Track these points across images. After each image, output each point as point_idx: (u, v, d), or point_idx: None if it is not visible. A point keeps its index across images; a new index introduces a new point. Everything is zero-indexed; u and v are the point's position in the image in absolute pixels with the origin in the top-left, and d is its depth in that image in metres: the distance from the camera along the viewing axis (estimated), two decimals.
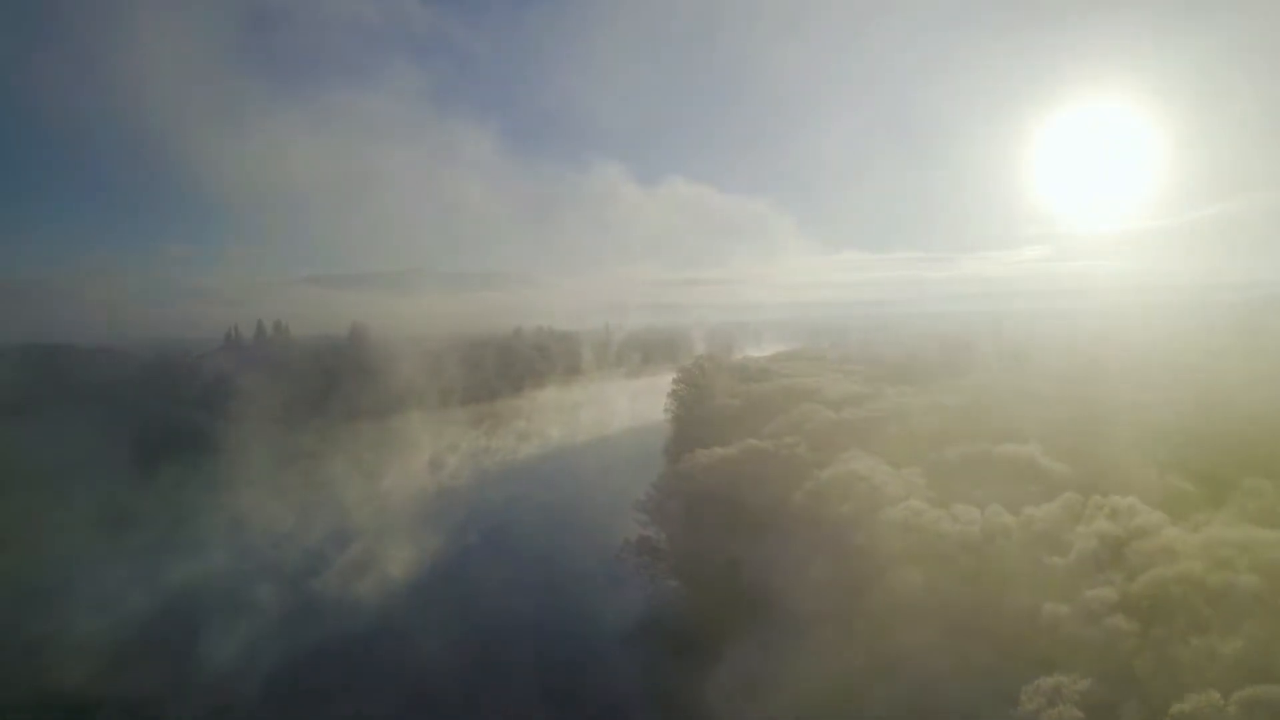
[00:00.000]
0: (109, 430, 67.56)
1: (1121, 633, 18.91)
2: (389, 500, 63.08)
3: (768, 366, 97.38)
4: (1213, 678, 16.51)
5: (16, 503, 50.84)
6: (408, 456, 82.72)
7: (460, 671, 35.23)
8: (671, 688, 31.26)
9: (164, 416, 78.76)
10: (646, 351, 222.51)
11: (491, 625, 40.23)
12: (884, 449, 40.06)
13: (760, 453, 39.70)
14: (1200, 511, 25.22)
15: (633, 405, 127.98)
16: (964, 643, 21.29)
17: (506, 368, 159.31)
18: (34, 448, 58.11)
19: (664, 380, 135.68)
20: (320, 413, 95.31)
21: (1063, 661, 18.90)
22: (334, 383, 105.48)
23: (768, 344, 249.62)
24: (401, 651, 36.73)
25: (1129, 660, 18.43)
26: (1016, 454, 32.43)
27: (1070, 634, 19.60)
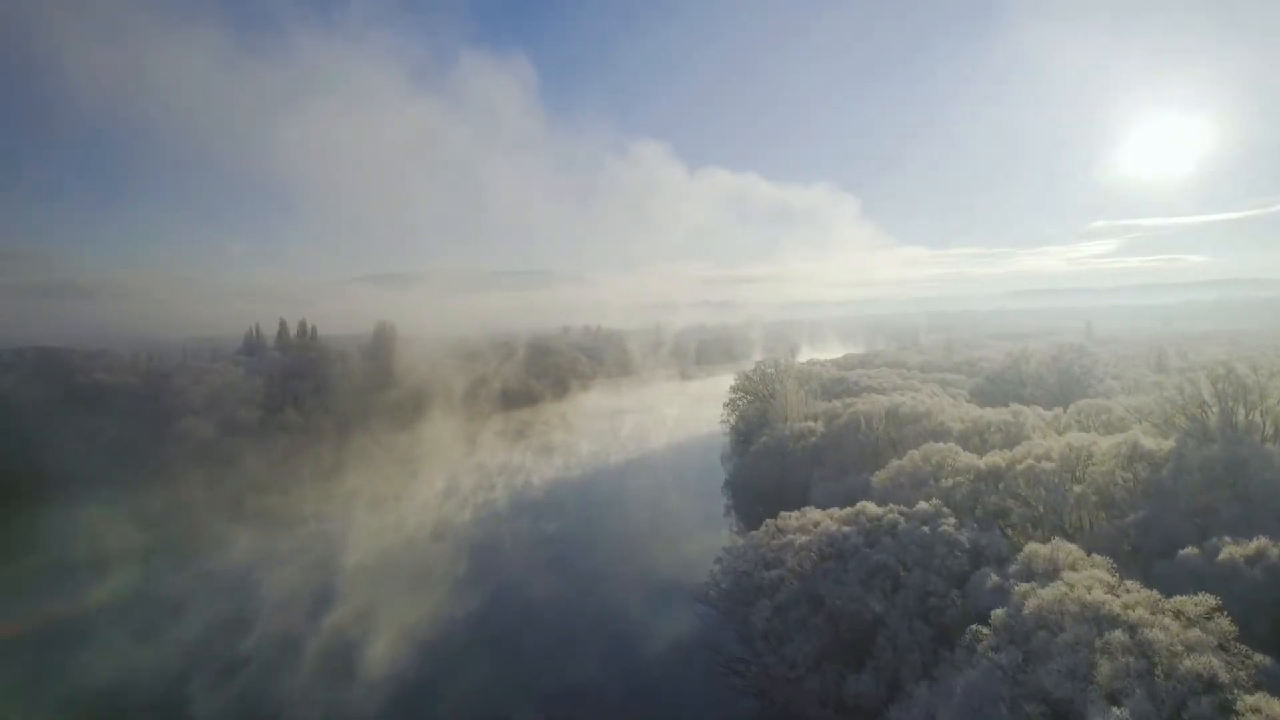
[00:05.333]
0: (47, 449, 58.74)
1: None
2: (382, 543, 51.70)
3: (843, 375, 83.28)
4: None
5: None
6: (418, 478, 71.78)
7: None
8: None
9: (131, 430, 69.57)
10: (699, 351, 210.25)
11: None
12: (1097, 536, 26.30)
13: (886, 529, 26.37)
14: None
15: (686, 413, 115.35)
16: None
17: (550, 369, 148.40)
18: None
19: (718, 383, 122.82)
20: (329, 423, 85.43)
21: None
22: (353, 388, 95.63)
23: (829, 344, 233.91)
24: None
25: None
26: None
27: None
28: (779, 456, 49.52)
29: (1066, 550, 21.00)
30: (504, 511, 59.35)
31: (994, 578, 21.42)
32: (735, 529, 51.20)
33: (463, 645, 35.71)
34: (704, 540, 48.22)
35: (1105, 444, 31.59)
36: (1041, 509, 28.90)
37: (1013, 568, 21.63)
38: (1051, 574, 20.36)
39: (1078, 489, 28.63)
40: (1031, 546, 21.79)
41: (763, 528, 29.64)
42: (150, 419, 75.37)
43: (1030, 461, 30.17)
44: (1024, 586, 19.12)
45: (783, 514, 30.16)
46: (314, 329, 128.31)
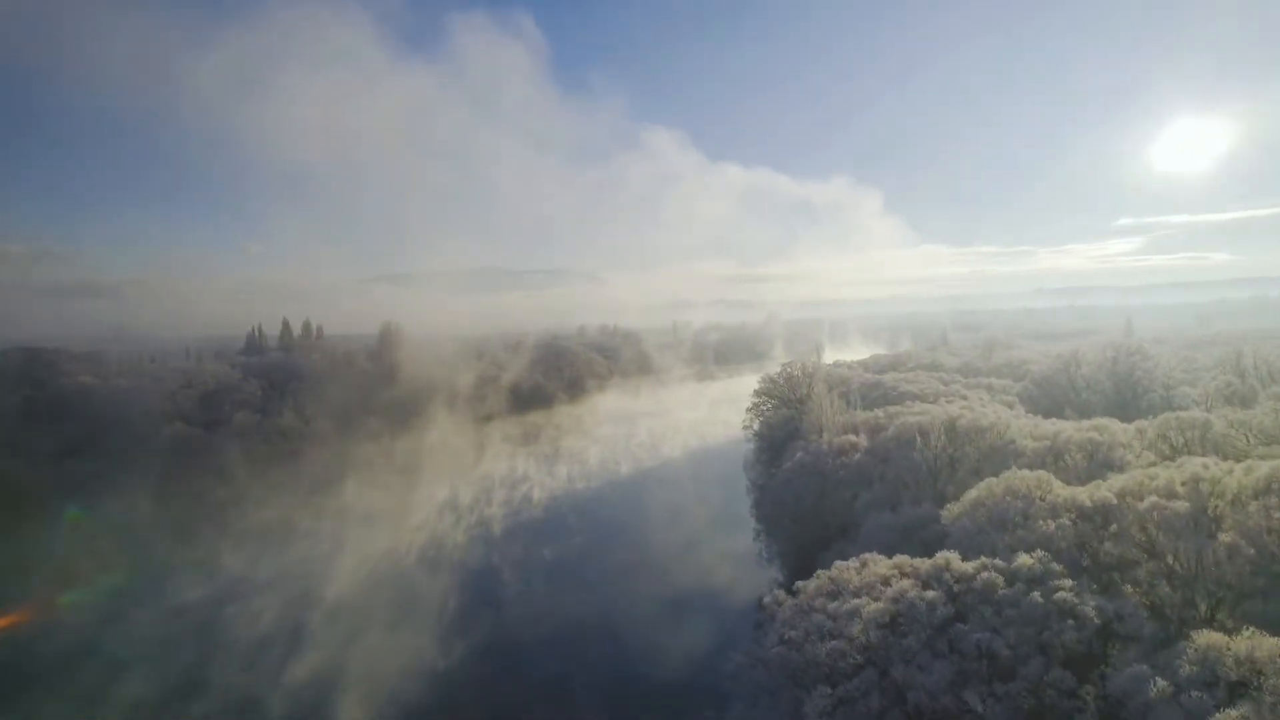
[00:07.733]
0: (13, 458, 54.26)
1: None
2: (373, 570, 46.34)
3: (878, 379, 76.56)
4: None
5: None
6: (418, 490, 66.47)
7: None
8: None
9: (115, 435, 64.92)
10: (718, 351, 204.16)
11: None
12: (1254, 606, 20.01)
13: (980, 594, 20.24)
14: None
15: (705, 416, 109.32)
16: None
17: (564, 370, 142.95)
18: None
19: (738, 384, 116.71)
20: (329, 427, 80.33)
21: None
22: (355, 391, 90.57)
23: (851, 343, 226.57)
24: None
25: None
26: None
27: None
28: (817, 476, 43.33)
29: (1268, 648, 14.78)
30: (505, 535, 53.77)
31: (1161, 683, 15.24)
32: (766, 556, 45.32)
33: (448, 706, 30.03)
34: (731, 570, 42.56)
35: (1239, 475, 25.16)
36: (1174, 563, 22.61)
37: (1183, 668, 15.44)
38: (1251, 684, 14.25)
39: (1226, 538, 22.27)
40: (1209, 637, 15.60)
41: (814, 581, 23.57)
42: (137, 423, 70.65)
43: (1154, 499, 23.82)
44: (1231, 716, 12.95)
45: (838, 564, 24.07)
46: (319, 328, 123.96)
